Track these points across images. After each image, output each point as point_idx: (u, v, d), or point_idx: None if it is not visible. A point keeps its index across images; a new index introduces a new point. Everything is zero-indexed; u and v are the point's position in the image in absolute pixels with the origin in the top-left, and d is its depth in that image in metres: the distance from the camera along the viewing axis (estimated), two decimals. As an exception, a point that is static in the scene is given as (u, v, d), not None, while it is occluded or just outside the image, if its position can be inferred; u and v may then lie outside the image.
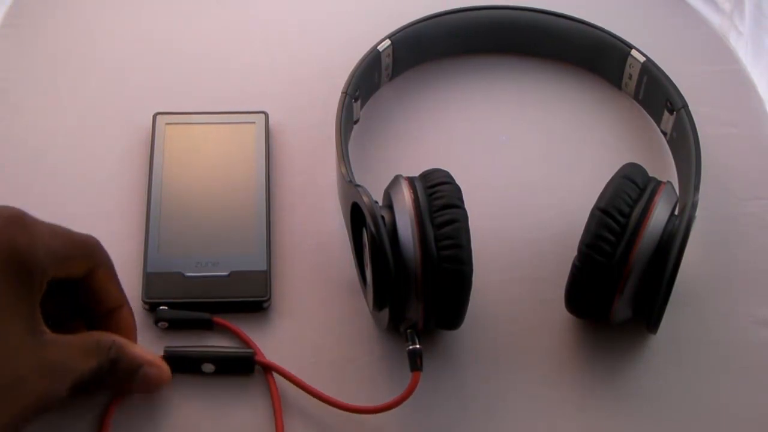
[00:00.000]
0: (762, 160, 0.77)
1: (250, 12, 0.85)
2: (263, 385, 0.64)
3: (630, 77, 0.78)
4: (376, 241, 0.60)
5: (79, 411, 0.62)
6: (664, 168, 0.75)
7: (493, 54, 0.82)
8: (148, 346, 0.65)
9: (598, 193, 0.64)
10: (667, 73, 0.75)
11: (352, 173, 0.67)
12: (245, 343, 0.65)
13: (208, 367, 0.64)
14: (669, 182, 0.66)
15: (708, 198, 0.68)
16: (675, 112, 0.74)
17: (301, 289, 0.68)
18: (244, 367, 0.64)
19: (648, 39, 0.79)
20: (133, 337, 0.63)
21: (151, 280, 0.67)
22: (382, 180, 0.66)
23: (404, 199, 0.63)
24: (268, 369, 0.64)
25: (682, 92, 0.74)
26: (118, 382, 0.61)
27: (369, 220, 0.61)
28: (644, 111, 0.79)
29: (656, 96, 0.76)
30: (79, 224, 0.70)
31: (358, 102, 0.75)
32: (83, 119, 0.77)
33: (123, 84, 0.79)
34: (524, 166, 0.76)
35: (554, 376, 0.65)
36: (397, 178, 0.65)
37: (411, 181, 0.64)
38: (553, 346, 0.66)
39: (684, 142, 0.71)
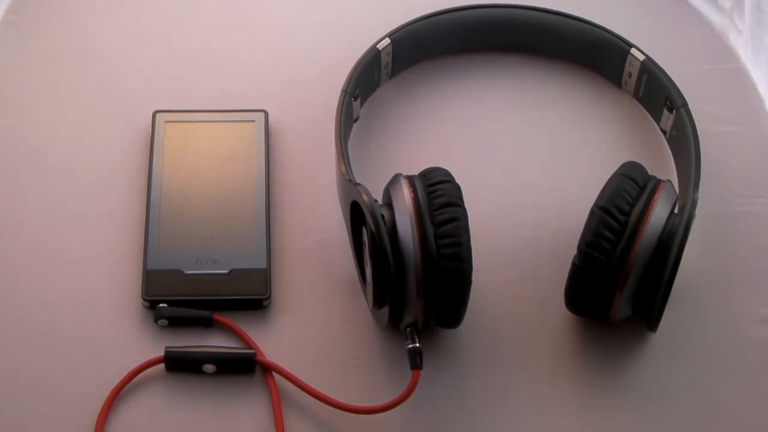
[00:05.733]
0: (762, 159, 0.77)
1: (250, 11, 0.85)
2: (263, 384, 0.64)
3: (630, 76, 0.78)
4: (375, 240, 0.60)
5: (76, 410, 0.62)
6: (664, 166, 0.75)
7: (492, 52, 0.82)
8: (147, 343, 0.65)
9: (598, 192, 0.64)
10: (667, 71, 0.75)
11: (351, 172, 0.67)
12: (245, 341, 0.65)
13: (209, 368, 0.64)
14: (669, 181, 0.66)
15: (708, 196, 0.68)
16: (675, 111, 0.73)
17: (300, 287, 0.68)
18: (245, 367, 0.64)
19: (648, 37, 0.79)
20: None
21: (150, 277, 0.67)
22: (381, 178, 0.66)
23: (404, 198, 0.62)
24: (268, 369, 0.64)
25: (681, 91, 0.74)
26: None
27: (369, 218, 0.60)
28: (644, 109, 0.79)
29: (656, 94, 0.76)
30: (79, 223, 0.71)
31: (358, 100, 0.75)
32: (83, 117, 0.77)
33: (122, 82, 0.79)
34: (524, 164, 0.76)
35: (554, 374, 0.65)
36: (396, 177, 0.65)
37: (411, 179, 0.64)
38: (553, 344, 0.66)
39: (684, 141, 0.71)
